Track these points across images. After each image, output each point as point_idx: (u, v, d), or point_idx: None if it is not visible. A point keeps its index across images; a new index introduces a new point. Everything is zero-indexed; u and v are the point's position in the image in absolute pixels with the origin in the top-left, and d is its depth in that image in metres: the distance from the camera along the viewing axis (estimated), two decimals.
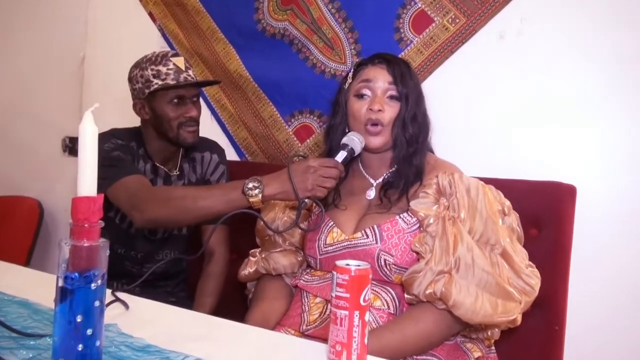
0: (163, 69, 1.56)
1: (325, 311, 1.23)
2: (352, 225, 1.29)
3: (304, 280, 1.33)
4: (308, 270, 1.37)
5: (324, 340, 0.93)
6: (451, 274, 1.13)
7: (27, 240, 2.52)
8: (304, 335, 1.22)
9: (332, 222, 1.32)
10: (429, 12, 1.77)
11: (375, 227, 1.24)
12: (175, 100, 1.58)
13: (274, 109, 2.05)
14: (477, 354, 1.24)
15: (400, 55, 1.77)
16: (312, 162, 1.24)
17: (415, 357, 1.15)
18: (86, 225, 0.71)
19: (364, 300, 0.83)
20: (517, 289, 1.16)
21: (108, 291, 0.96)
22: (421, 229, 1.22)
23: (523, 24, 1.64)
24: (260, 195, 1.24)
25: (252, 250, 1.50)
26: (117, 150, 1.55)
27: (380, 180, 1.35)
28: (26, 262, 2.48)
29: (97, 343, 0.72)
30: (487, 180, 1.28)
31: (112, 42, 2.49)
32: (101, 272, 0.72)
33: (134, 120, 1.69)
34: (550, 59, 1.61)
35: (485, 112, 1.69)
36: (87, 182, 0.73)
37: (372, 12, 1.85)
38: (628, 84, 1.53)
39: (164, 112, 1.58)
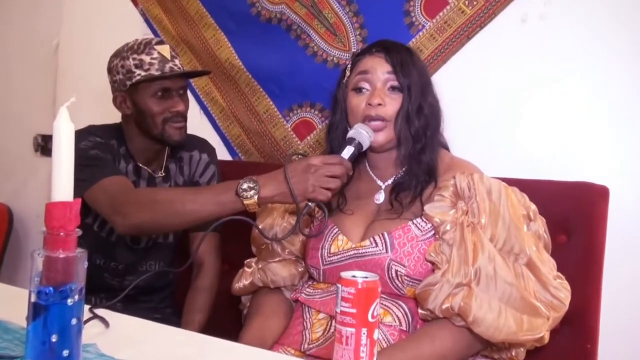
0: (146, 58, 1.56)
1: (329, 328, 1.23)
2: (359, 232, 1.29)
3: (305, 294, 1.33)
4: (310, 283, 1.37)
5: None
6: (471, 287, 1.13)
7: None
8: (305, 355, 1.22)
9: (337, 229, 1.32)
10: None
11: (385, 234, 1.24)
12: (160, 93, 1.58)
13: (270, 103, 2.05)
14: None
15: (411, 42, 1.77)
16: (313, 160, 1.23)
17: None
18: (62, 233, 0.71)
19: (373, 316, 0.83)
20: (544, 303, 1.16)
21: (86, 307, 0.95)
22: (437, 236, 1.21)
23: (547, 6, 1.64)
24: (255, 197, 1.23)
25: (248, 260, 1.50)
26: (95, 149, 1.55)
27: (390, 182, 1.35)
28: None
29: None
30: (509, 182, 1.28)
31: (89, 28, 2.49)
32: (79, 286, 0.73)
33: (114, 116, 1.69)
34: (577, 45, 1.60)
35: (506, 105, 1.69)
36: (63, 186, 0.73)
37: None
38: None
39: (147, 107, 1.58)
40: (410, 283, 1.21)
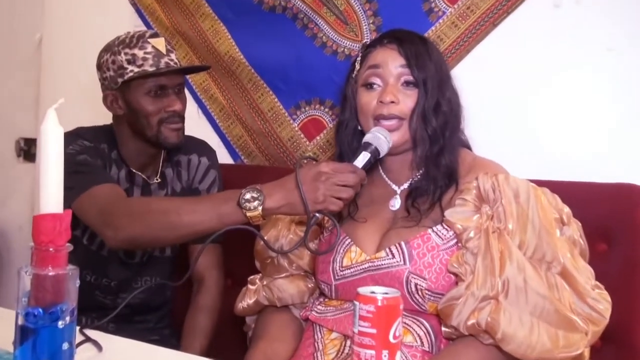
0: (139, 53, 1.57)
1: (344, 349, 1.23)
2: (374, 242, 1.30)
3: (316, 312, 1.34)
4: (321, 300, 1.37)
5: None
6: (498, 300, 1.12)
7: None
8: None
9: (349, 239, 1.32)
10: None
11: (402, 244, 1.24)
12: (155, 91, 1.59)
13: (275, 100, 2.06)
14: None
15: (430, 31, 1.77)
16: (324, 167, 1.22)
17: None
18: (51, 249, 0.72)
19: (394, 337, 0.83)
20: (581, 316, 1.15)
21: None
22: (459, 244, 1.21)
23: None
24: (260, 209, 1.23)
25: (251, 277, 1.50)
26: (83, 154, 1.56)
27: (406, 186, 1.35)
28: None
29: None
30: (539, 183, 1.27)
31: (75, 20, 2.50)
32: (70, 306, 0.73)
33: (105, 117, 1.71)
34: (618, 32, 1.60)
35: (536, 100, 1.69)
36: (52, 196, 0.74)
37: None
38: None
39: (141, 106, 1.59)
40: (432, 298, 1.21)
